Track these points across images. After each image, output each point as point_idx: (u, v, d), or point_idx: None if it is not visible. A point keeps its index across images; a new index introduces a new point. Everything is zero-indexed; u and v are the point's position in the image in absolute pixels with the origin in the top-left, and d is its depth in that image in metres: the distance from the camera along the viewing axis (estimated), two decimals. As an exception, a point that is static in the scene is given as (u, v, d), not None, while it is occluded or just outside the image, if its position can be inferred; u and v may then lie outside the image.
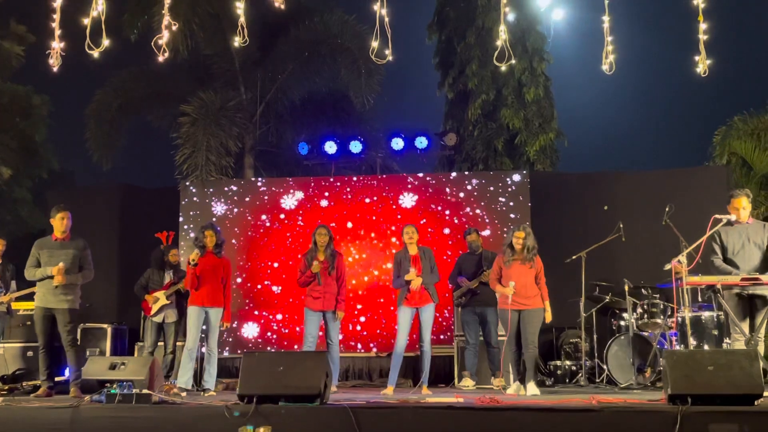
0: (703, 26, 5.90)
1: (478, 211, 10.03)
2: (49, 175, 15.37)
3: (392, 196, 10.27)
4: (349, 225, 10.21)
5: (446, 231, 10.03)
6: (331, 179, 10.57)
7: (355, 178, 10.53)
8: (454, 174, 10.71)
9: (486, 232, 9.77)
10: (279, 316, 10.05)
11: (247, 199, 10.49)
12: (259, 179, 11.03)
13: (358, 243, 10.16)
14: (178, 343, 8.42)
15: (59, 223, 6.93)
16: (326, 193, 10.40)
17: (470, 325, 8.42)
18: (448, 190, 10.20)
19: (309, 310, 7.75)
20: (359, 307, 9.90)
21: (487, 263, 8.40)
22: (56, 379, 7.37)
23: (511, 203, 9.96)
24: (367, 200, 10.28)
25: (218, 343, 7.58)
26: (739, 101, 14.79)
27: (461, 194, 10.13)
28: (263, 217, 10.39)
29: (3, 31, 13.92)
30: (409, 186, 10.29)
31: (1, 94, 13.84)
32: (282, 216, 10.35)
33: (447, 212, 10.10)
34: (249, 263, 10.28)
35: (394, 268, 7.57)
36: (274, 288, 10.16)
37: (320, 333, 7.91)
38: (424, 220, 10.03)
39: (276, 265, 10.21)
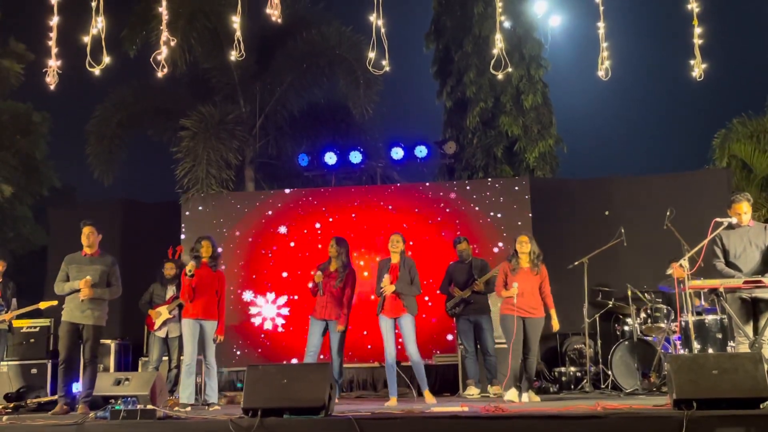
0: (698, 30, 5.93)
1: (479, 220, 10.02)
2: (50, 191, 15.38)
3: (393, 209, 10.27)
4: (352, 235, 10.21)
5: (445, 238, 10.03)
6: (324, 191, 10.56)
7: (356, 203, 10.44)
8: (454, 183, 10.71)
9: (496, 248, 9.75)
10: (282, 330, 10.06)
11: (247, 211, 10.50)
12: (262, 192, 11.05)
13: (363, 256, 10.14)
14: (182, 358, 8.41)
15: (84, 238, 6.94)
16: (324, 209, 10.37)
17: (466, 333, 8.41)
18: (448, 199, 10.20)
19: (313, 318, 7.82)
20: (365, 333, 9.89)
21: (477, 271, 8.40)
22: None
23: (512, 211, 9.95)
24: (366, 227, 10.25)
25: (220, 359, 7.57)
26: (738, 104, 14.84)
27: (461, 203, 10.13)
28: (264, 233, 10.40)
29: (2, 49, 13.97)
30: (413, 196, 10.29)
31: (1, 112, 13.87)
32: (283, 231, 10.36)
33: (450, 222, 10.08)
34: (254, 275, 10.28)
35: (377, 276, 7.57)
36: (282, 311, 10.17)
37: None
38: (428, 236, 10.02)
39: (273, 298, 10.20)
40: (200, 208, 10.58)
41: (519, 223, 9.78)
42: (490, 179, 10.64)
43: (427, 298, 9.44)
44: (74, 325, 6.83)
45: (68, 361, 6.88)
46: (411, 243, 9.61)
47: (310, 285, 7.91)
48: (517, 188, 10.11)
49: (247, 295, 10.23)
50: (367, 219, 10.28)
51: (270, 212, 10.48)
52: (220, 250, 7.93)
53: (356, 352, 9.76)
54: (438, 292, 8.85)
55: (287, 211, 10.46)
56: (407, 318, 7.32)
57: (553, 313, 7.12)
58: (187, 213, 10.56)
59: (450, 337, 9.53)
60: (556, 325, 7.14)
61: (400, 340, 7.46)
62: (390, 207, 10.29)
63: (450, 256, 8.95)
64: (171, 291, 8.69)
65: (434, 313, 9.51)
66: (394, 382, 7.32)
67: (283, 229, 10.38)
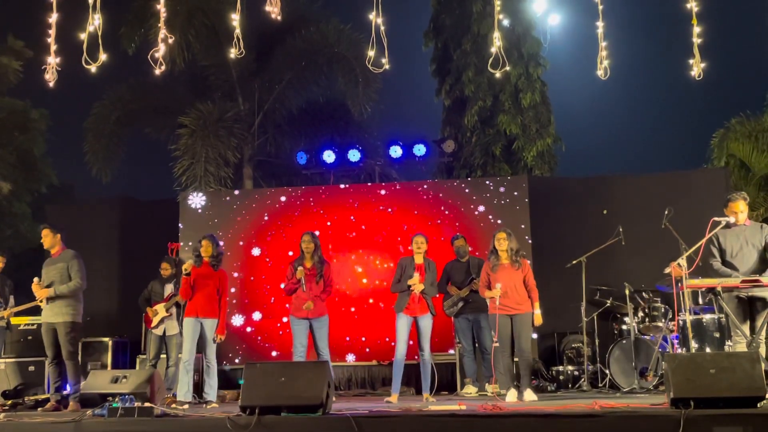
0: (697, 29, 5.93)
1: (476, 219, 10.01)
2: (48, 189, 15.37)
3: (392, 211, 10.24)
4: (352, 234, 10.22)
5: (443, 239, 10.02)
6: (322, 190, 10.57)
7: (356, 204, 10.38)
8: (453, 182, 10.69)
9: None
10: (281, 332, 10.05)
11: (245, 210, 10.49)
12: (258, 190, 11.04)
13: (360, 253, 10.13)
14: (179, 356, 8.40)
15: (43, 241, 7.00)
16: (321, 210, 10.31)
17: (465, 332, 8.41)
18: (447, 199, 10.19)
19: (295, 318, 7.62)
20: (363, 339, 9.86)
21: (475, 270, 8.40)
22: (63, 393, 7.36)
23: (511, 210, 9.94)
24: (365, 227, 10.21)
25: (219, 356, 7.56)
26: (737, 104, 14.85)
27: (460, 203, 10.12)
28: (263, 230, 10.37)
29: (1, 46, 13.97)
30: (412, 196, 10.28)
31: (0, 109, 13.88)
32: (281, 231, 10.34)
33: (449, 223, 10.07)
34: (252, 276, 10.27)
35: (396, 272, 7.56)
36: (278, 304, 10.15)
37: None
38: (422, 233, 9.96)
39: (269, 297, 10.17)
40: (199, 206, 10.56)
41: (518, 222, 9.73)
42: (488, 180, 10.60)
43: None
44: (51, 325, 6.88)
45: (55, 359, 6.91)
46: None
47: (289, 280, 7.68)
48: (515, 187, 10.09)
49: (245, 295, 10.21)
50: (365, 220, 10.24)
51: (266, 215, 10.39)
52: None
53: (355, 352, 9.76)
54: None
55: (285, 211, 10.41)
56: (428, 317, 7.38)
57: (536, 306, 7.01)
58: (185, 211, 10.53)
59: (451, 351, 9.45)
60: (538, 319, 7.05)
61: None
62: (390, 210, 10.23)
63: (444, 259, 8.93)
64: (168, 289, 8.68)
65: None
66: (398, 380, 7.35)
67: (279, 231, 10.34)
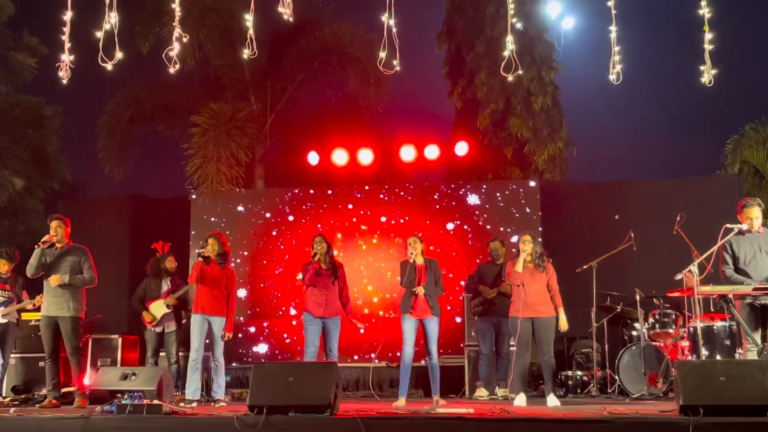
0: (709, 36, 5.90)
1: (488, 222, 10.00)
2: (60, 185, 15.43)
3: (403, 216, 10.25)
4: (362, 245, 10.22)
5: (454, 242, 10.02)
6: (330, 193, 10.59)
7: (368, 212, 10.43)
8: (464, 185, 10.66)
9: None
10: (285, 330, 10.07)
11: (256, 209, 10.52)
12: (270, 190, 11.06)
13: (369, 256, 10.13)
14: (180, 353, 8.42)
15: (52, 232, 6.98)
16: (332, 220, 10.36)
17: (485, 335, 8.39)
18: (458, 202, 10.18)
19: (309, 315, 7.61)
20: (374, 343, 9.86)
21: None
22: (66, 389, 7.37)
23: (522, 214, 9.93)
24: (370, 217, 10.25)
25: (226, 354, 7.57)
26: (751, 110, 14.76)
27: (471, 205, 10.11)
28: (274, 232, 10.42)
29: (16, 43, 14.05)
30: (425, 199, 10.29)
31: (14, 106, 13.92)
32: (288, 234, 10.36)
33: (457, 224, 10.06)
34: (257, 276, 10.29)
35: (401, 275, 7.46)
36: (285, 299, 10.17)
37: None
38: (438, 248, 9.97)
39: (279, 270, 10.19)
40: (209, 204, 10.59)
41: (529, 227, 9.69)
42: (499, 188, 10.55)
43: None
44: (52, 319, 6.87)
45: (54, 355, 6.91)
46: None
47: (306, 270, 7.68)
48: (527, 191, 10.08)
49: (253, 295, 10.24)
50: (377, 228, 10.24)
51: (277, 218, 10.48)
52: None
53: (361, 354, 9.76)
54: (466, 291, 8.91)
55: (295, 218, 10.45)
56: (434, 320, 7.31)
57: (561, 312, 6.98)
58: (196, 209, 10.57)
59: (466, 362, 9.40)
60: (564, 324, 7.00)
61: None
62: (402, 221, 10.24)
63: (458, 266, 8.92)
64: (166, 285, 8.61)
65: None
66: (406, 383, 7.30)
67: (288, 235, 10.37)
